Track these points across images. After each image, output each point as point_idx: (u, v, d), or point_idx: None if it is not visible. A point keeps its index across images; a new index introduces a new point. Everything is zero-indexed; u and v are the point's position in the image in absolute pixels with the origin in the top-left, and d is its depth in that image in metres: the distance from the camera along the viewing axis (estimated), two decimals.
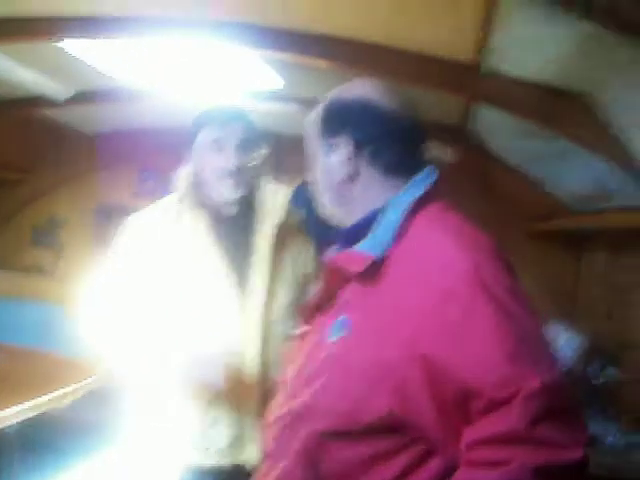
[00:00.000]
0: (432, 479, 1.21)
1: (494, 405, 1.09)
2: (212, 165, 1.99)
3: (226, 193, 1.99)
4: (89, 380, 3.10)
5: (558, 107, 2.03)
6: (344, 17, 2.11)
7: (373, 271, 1.27)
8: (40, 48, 2.79)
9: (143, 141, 4.08)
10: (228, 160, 1.97)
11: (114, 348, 2.00)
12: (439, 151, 3.65)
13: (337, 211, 1.43)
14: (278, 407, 1.43)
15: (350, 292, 1.34)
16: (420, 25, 1.98)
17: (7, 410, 2.59)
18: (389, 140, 1.35)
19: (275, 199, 2.12)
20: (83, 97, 3.50)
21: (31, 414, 2.72)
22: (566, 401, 1.11)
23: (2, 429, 2.74)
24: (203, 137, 2.01)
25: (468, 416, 1.13)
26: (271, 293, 2.05)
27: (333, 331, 1.31)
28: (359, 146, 1.35)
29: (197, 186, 2.04)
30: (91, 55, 2.90)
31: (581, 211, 2.90)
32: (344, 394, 1.25)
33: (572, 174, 2.65)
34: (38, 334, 3.79)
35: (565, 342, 3.14)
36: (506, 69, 2.03)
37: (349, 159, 1.35)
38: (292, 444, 1.32)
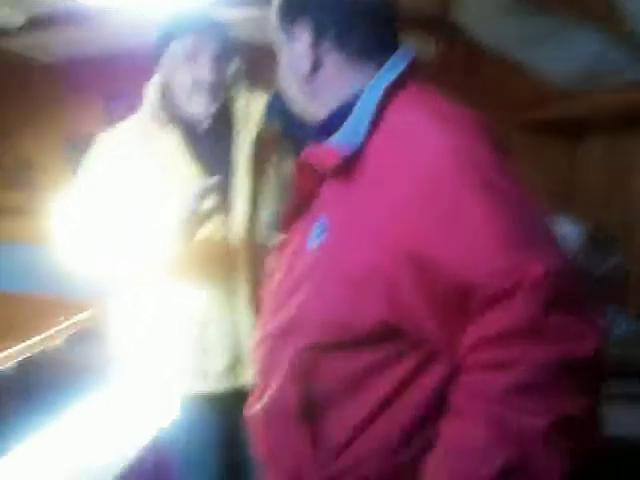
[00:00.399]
0: (435, 389, 1.09)
1: (495, 299, 0.96)
2: (185, 78, 1.86)
3: (200, 107, 1.88)
4: (79, 317, 3.02)
5: None
6: None
7: (350, 165, 1.14)
8: None
9: (108, 66, 3.86)
10: (203, 72, 1.84)
11: (91, 252, 1.84)
12: (420, 45, 3.47)
13: (307, 107, 1.28)
14: (264, 324, 1.32)
15: (327, 192, 1.21)
16: None
17: None
18: (352, 21, 1.19)
19: (249, 110, 1.99)
20: (38, 22, 3.27)
21: (23, 355, 2.66)
22: (575, 288, 0.98)
23: None
24: (175, 47, 1.86)
25: (470, 316, 1.00)
26: (255, 208, 1.94)
27: (312, 236, 1.19)
28: (320, 31, 1.19)
29: (168, 100, 1.92)
30: None
31: (574, 94, 2.73)
32: (329, 304, 1.13)
33: (562, 54, 2.48)
34: (20, 276, 3.69)
35: (565, 234, 3.04)
36: None
37: (310, 47, 1.20)
38: (282, 362, 1.22)
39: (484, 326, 0.98)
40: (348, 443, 1.16)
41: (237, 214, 1.91)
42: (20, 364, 2.85)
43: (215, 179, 1.75)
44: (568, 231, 3.02)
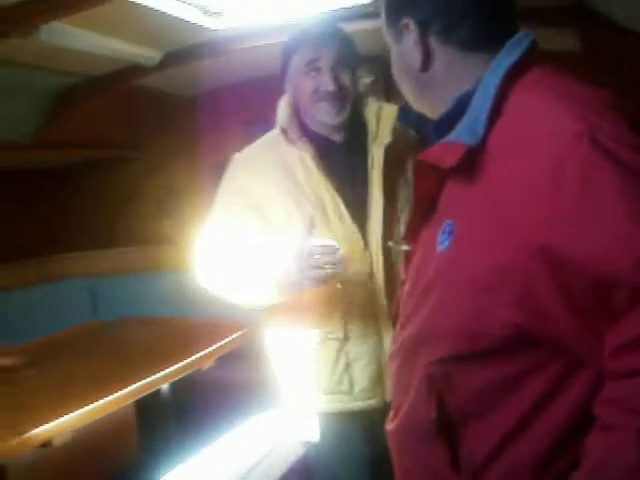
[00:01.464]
0: (578, 403, 0.98)
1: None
2: (308, 88, 1.86)
3: (326, 117, 1.88)
4: (230, 338, 3.09)
5: None
6: None
7: (473, 160, 1.05)
8: (117, 12, 2.69)
9: (245, 93, 3.97)
10: (325, 82, 1.84)
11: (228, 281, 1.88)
12: (563, 39, 3.29)
13: (425, 104, 1.23)
14: (397, 336, 1.26)
15: (450, 193, 1.13)
16: None
17: (155, 375, 2.62)
18: (458, 11, 1.13)
19: (380, 119, 1.95)
20: (174, 59, 3.42)
21: (179, 376, 2.75)
22: None
23: (155, 393, 2.79)
24: (296, 61, 1.88)
25: (614, 318, 0.88)
26: (389, 219, 1.89)
27: (439, 242, 1.11)
28: (425, 24, 1.14)
29: (298, 116, 1.94)
30: (173, 6, 2.81)
31: None
32: (460, 310, 1.05)
33: None
34: (173, 303, 3.84)
35: None
36: None
37: (417, 41, 1.15)
38: (414, 375, 1.14)
39: (627, 328, 0.87)
40: (486, 464, 1.07)
41: (373, 230, 1.87)
42: (174, 385, 2.95)
43: (334, 246, 1.71)
44: None
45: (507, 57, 1.10)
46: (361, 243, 1.86)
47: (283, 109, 1.94)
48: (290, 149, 1.91)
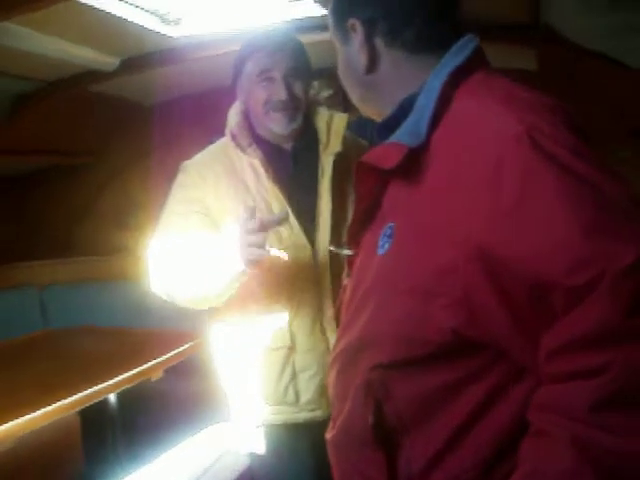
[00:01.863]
0: (520, 410, 0.95)
1: (576, 296, 0.83)
2: (261, 98, 1.86)
3: (278, 127, 1.87)
4: (179, 349, 3.05)
5: None
6: None
7: (414, 162, 1.04)
8: (76, 17, 2.66)
9: (204, 102, 3.95)
10: (277, 91, 1.84)
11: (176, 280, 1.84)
12: (521, 56, 3.34)
13: (370, 107, 1.22)
14: (337, 342, 1.24)
15: (392, 196, 1.12)
16: None
17: (101, 384, 2.57)
18: (403, 13, 1.12)
19: (330, 128, 1.95)
20: (132, 64, 3.39)
21: (126, 386, 2.71)
22: None
23: (101, 404, 2.75)
24: (249, 69, 1.87)
25: (549, 319, 0.87)
26: (338, 227, 1.87)
27: (380, 244, 1.09)
28: (371, 26, 1.13)
29: (248, 122, 1.93)
30: (132, 13, 2.79)
31: None
32: (398, 315, 1.03)
33: None
34: (129, 313, 3.80)
35: None
36: None
37: (363, 43, 1.14)
38: (353, 382, 1.12)
39: (563, 330, 0.85)
40: (424, 473, 1.05)
41: (321, 238, 1.86)
42: (122, 396, 2.89)
43: (280, 215, 1.69)
44: None
45: (451, 60, 1.09)
46: (309, 251, 1.85)
47: (234, 116, 1.93)
48: (240, 156, 1.91)
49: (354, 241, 1.25)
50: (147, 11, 2.90)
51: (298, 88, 1.86)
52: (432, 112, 1.05)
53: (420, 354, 1.02)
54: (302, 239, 1.84)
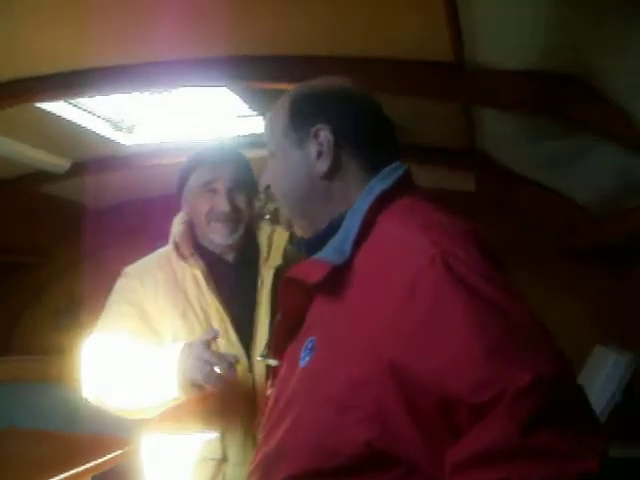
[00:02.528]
0: None
1: (477, 414, 0.88)
2: (203, 207, 1.90)
3: (219, 238, 1.91)
4: (110, 456, 2.96)
5: (556, 93, 1.85)
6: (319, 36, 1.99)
7: (338, 280, 1.10)
8: (31, 119, 2.72)
9: (153, 209, 4.00)
10: (220, 202, 1.88)
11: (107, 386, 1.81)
12: (460, 178, 3.52)
13: (306, 217, 1.26)
14: (257, 452, 1.25)
15: (315, 310, 1.17)
16: (391, 32, 1.85)
17: None
18: (369, 130, 1.22)
19: (272, 242, 2.00)
20: (83, 168, 3.45)
21: None
22: (571, 398, 0.90)
23: None
24: (194, 180, 1.93)
25: (455, 434, 0.91)
26: None
27: (302, 356, 1.14)
28: (341, 135, 1.19)
29: (191, 232, 1.96)
30: (86, 119, 2.87)
31: (603, 218, 2.67)
32: (314, 427, 1.06)
33: (592, 172, 2.44)
34: (62, 416, 3.69)
35: (611, 366, 2.89)
36: (488, 63, 1.87)
37: (329, 149, 1.19)
38: None
39: (464, 446, 0.89)
40: None
41: (258, 349, 1.84)
42: None
43: (211, 333, 1.70)
44: (615, 364, 2.89)
45: (378, 185, 1.17)
46: (245, 363, 1.84)
47: (177, 225, 1.96)
48: (183, 265, 1.93)
49: (279, 352, 1.29)
50: (102, 118, 3.00)
51: (241, 200, 1.91)
52: (357, 234, 1.12)
53: (332, 465, 1.03)
54: (239, 350, 1.84)
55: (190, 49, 2.15)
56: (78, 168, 3.43)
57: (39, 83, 2.29)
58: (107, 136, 3.09)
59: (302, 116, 1.23)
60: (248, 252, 1.97)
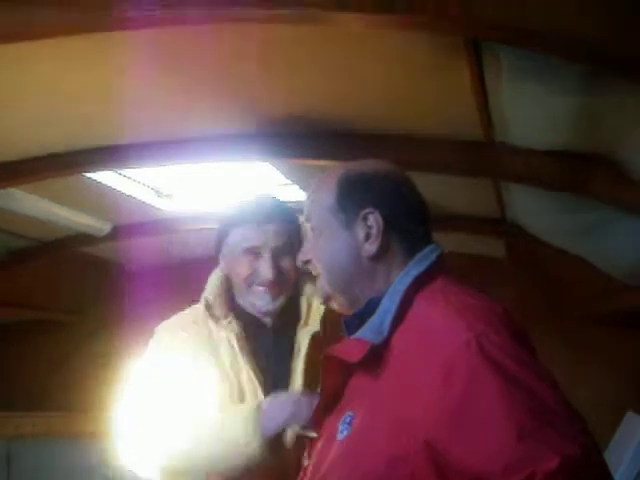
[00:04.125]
0: None
1: None
2: (244, 270, 1.75)
3: (260, 303, 1.77)
4: None
5: (583, 172, 1.93)
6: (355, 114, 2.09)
7: (376, 357, 1.17)
8: (74, 184, 2.85)
9: (191, 271, 4.09)
10: (264, 268, 1.73)
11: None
12: (490, 246, 3.58)
13: (348, 295, 1.30)
14: None
15: (354, 386, 1.24)
16: (425, 113, 1.96)
17: None
18: (412, 214, 1.29)
19: (311, 306, 1.86)
20: (123, 231, 3.57)
21: None
22: (598, 478, 0.95)
23: None
24: (235, 238, 1.77)
25: None
26: None
27: (340, 429, 1.20)
28: (387, 219, 1.25)
29: (229, 292, 1.83)
30: (128, 185, 3.01)
31: (637, 286, 2.70)
32: None
33: (620, 244, 2.49)
34: (97, 474, 3.72)
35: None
36: (517, 143, 1.96)
37: (378, 233, 1.25)
38: None
39: None
40: None
41: None
42: None
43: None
44: None
45: (415, 268, 1.24)
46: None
47: (213, 282, 1.85)
48: (214, 324, 1.81)
49: (318, 424, 1.35)
50: (143, 184, 3.12)
51: (286, 264, 1.75)
52: (394, 315, 1.19)
53: None
54: None
55: (231, 124, 2.26)
56: (118, 231, 3.55)
57: (89, 156, 2.43)
58: (147, 202, 3.21)
59: (350, 199, 1.28)
60: (287, 316, 1.83)
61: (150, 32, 1.43)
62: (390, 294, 1.23)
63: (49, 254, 3.72)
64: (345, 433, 1.18)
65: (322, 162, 2.28)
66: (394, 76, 1.79)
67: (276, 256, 1.75)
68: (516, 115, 1.75)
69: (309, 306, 1.85)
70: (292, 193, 3.01)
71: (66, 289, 4.19)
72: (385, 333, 1.17)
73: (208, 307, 1.81)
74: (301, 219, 1.44)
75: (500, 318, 1.14)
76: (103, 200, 3.13)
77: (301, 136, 2.24)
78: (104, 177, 2.84)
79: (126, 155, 2.43)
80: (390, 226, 1.26)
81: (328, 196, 1.30)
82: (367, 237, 1.26)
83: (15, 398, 4.49)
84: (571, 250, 2.90)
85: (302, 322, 1.84)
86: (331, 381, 1.28)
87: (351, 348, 1.21)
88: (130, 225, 3.54)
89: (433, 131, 2.07)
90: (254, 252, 1.75)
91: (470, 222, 3.26)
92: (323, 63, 1.76)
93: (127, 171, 2.91)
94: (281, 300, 1.78)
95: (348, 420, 1.19)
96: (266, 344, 1.83)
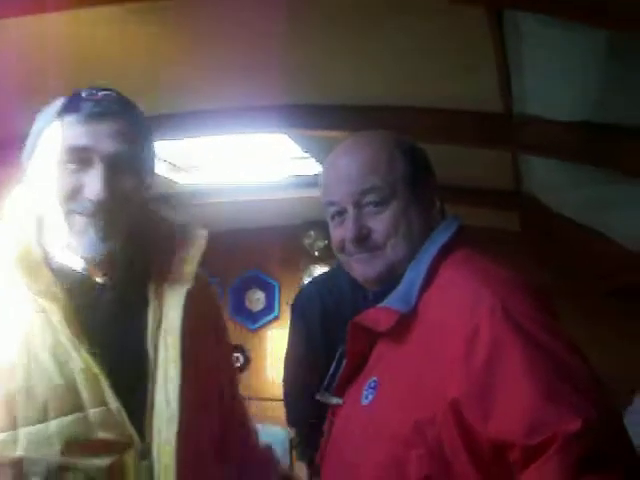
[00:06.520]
0: None
1: (530, 456, 0.94)
2: (65, 186, 1.16)
3: (83, 245, 1.18)
4: None
5: (605, 143, 1.92)
6: (372, 87, 2.10)
7: (402, 326, 1.18)
8: None
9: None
10: (92, 182, 1.16)
11: None
12: (503, 219, 3.58)
13: (397, 262, 1.26)
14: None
15: (379, 353, 1.25)
16: (443, 85, 1.96)
17: None
18: (435, 187, 1.34)
19: (180, 253, 1.29)
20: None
21: None
22: (619, 443, 0.96)
23: None
24: (53, 140, 1.18)
25: (511, 475, 0.98)
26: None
27: (364, 395, 1.22)
28: (439, 194, 1.32)
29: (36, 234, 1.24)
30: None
31: None
32: (376, 462, 1.13)
33: (632, 220, 2.49)
34: None
35: None
36: (539, 113, 1.95)
37: (436, 203, 1.31)
38: None
39: None
40: None
41: (163, 426, 1.18)
42: None
43: None
44: None
45: (439, 238, 1.26)
46: (138, 445, 1.16)
47: (19, 215, 1.24)
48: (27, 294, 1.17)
49: (342, 390, 1.37)
50: (161, 159, 3.13)
51: (126, 184, 1.19)
52: (421, 284, 1.20)
53: None
54: (126, 428, 1.16)
55: (251, 98, 2.27)
56: None
57: None
58: (165, 176, 3.22)
59: (418, 169, 1.30)
60: (132, 267, 1.26)
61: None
62: (415, 264, 1.24)
63: None
64: (370, 398, 1.20)
65: (339, 133, 2.28)
66: (415, 50, 1.80)
67: (110, 169, 1.16)
68: (537, 85, 1.75)
69: (173, 253, 1.28)
70: (309, 166, 3.03)
71: None
72: (413, 302, 1.19)
73: (20, 260, 1.17)
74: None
75: (523, 285, 1.16)
76: None
77: (320, 107, 2.25)
78: None
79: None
80: (439, 201, 1.31)
81: (401, 164, 1.28)
82: (431, 206, 1.30)
83: None
84: (588, 223, 2.89)
85: (161, 275, 1.26)
86: (358, 349, 1.30)
87: (380, 317, 1.22)
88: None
89: (452, 103, 2.07)
90: (79, 158, 1.16)
91: (485, 195, 3.26)
92: (345, 38, 1.77)
93: None
94: (116, 240, 1.19)
95: (373, 385, 1.21)
96: (103, 316, 1.21)
